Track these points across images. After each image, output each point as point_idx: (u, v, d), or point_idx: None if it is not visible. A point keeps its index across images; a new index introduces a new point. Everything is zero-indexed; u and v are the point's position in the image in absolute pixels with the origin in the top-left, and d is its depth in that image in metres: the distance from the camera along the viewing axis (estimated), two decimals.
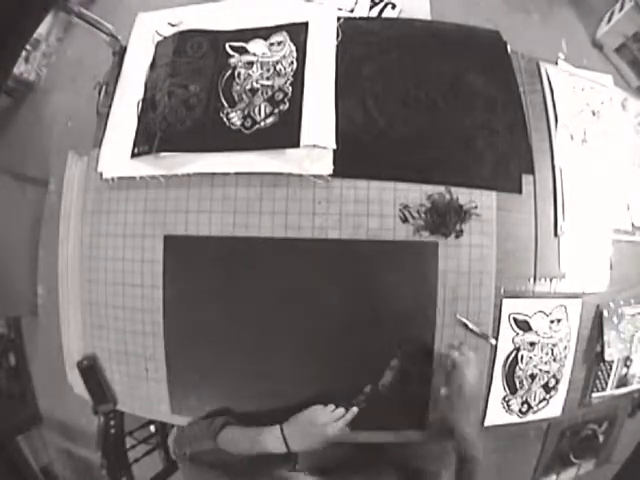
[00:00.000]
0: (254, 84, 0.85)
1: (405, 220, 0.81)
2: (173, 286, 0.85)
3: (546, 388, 0.89)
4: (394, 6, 0.95)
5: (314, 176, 0.81)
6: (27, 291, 1.15)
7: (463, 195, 0.82)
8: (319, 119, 0.82)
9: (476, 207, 0.82)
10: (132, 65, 0.96)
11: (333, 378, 0.82)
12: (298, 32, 0.89)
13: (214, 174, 0.84)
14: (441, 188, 0.82)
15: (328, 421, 0.72)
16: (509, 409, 0.87)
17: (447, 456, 1.01)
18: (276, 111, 0.83)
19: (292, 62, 0.86)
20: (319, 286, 0.81)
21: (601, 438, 1.05)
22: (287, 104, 0.83)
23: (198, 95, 0.86)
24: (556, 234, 0.86)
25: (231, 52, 0.89)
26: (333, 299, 0.81)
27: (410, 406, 0.84)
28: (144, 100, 0.90)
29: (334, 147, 0.81)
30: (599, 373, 0.93)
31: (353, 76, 0.86)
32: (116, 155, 0.89)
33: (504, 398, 0.87)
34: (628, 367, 0.96)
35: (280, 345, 0.83)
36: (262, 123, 0.82)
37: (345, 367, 0.82)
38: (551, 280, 0.86)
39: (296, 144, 0.80)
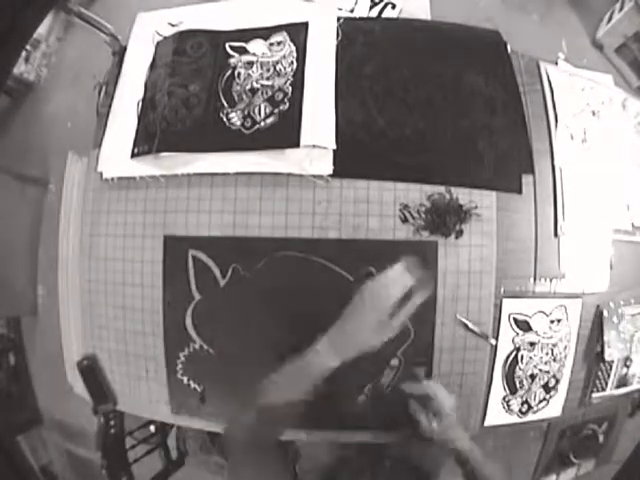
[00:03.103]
0: (254, 84, 0.85)
1: (405, 220, 0.81)
2: (172, 286, 0.84)
3: (546, 388, 0.89)
4: (394, 6, 0.95)
5: (314, 176, 0.81)
6: (27, 291, 1.15)
7: (463, 195, 0.82)
8: (319, 119, 0.82)
9: (476, 207, 0.82)
10: (132, 65, 0.96)
11: (333, 379, 0.82)
12: (298, 32, 0.89)
13: (214, 174, 0.84)
14: (441, 188, 0.82)
15: None
16: (509, 409, 0.87)
17: (443, 454, 1.01)
18: (276, 111, 0.82)
19: (292, 62, 0.86)
20: (319, 285, 0.81)
21: (601, 438, 1.05)
22: (287, 104, 0.83)
23: (198, 95, 0.86)
24: (556, 234, 0.86)
25: (231, 52, 0.89)
26: (333, 298, 0.81)
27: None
28: (144, 100, 0.90)
29: (334, 147, 0.81)
30: (599, 373, 0.93)
31: (353, 76, 0.86)
32: (116, 155, 0.89)
33: (504, 398, 0.87)
34: (628, 367, 0.96)
35: (280, 344, 0.83)
36: (262, 123, 0.82)
37: (345, 367, 0.82)
38: (551, 280, 0.86)
39: (296, 144, 0.80)
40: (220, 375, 0.85)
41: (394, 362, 0.81)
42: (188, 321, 0.84)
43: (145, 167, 0.86)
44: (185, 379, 0.85)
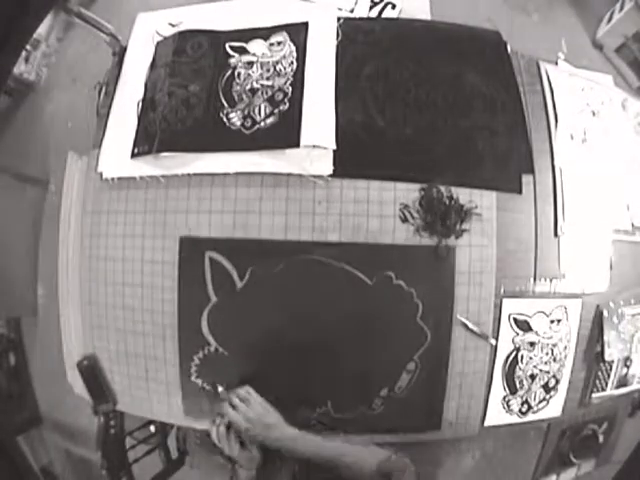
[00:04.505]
0: (254, 84, 0.85)
1: (405, 220, 0.81)
2: (187, 287, 0.84)
3: (546, 388, 0.89)
4: (394, 6, 0.95)
5: (314, 176, 0.81)
6: (27, 291, 1.15)
7: (463, 195, 0.82)
8: (319, 119, 0.82)
9: (476, 207, 0.82)
10: (132, 65, 0.96)
11: (350, 383, 0.82)
12: (298, 32, 0.89)
13: (214, 174, 0.83)
14: (441, 188, 0.82)
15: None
16: (509, 409, 0.87)
17: (443, 456, 1.01)
18: (276, 111, 0.82)
19: (292, 62, 0.86)
20: (337, 289, 0.81)
21: (601, 438, 1.05)
22: (287, 104, 0.83)
23: (198, 95, 0.86)
24: (556, 234, 0.86)
25: (231, 52, 0.89)
26: (350, 302, 0.81)
27: (426, 407, 0.84)
28: (144, 100, 0.90)
29: (334, 147, 0.80)
30: (599, 373, 0.93)
31: (353, 76, 0.86)
32: (116, 155, 0.89)
33: (504, 398, 0.87)
34: (628, 367, 0.96)
35: (296, 350, 0.83)
36: (262, 123, 0.82)
37: (362, 371, 0.82)
38: (551, 280, 0.86)
39: (296, 144, 0.80)
40: (236, 378, 0.83)
41: (410, 366, 0.82)
42: (204, 324, 0.83)
43: (145, 167, 0.86)
44: (199, 382, 0.85)
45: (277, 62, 0.86)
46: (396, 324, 0.82)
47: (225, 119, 0.83)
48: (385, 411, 0.82)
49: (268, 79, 0.85)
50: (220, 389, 0.77)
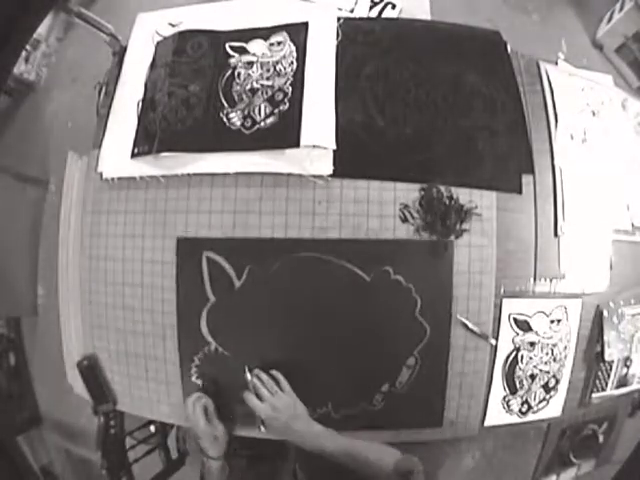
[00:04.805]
0: (254, 84, 0.85)
1: (405, 220, 0.81)
2: (186, 288, 0.84)
3: (546, 388, 0.89)
4: (394, 6, 0.95)
5: (314, 176, 0.81)
6: (27, 291, 1.15)
7: (463, 195, 0.82)
8: (319, 119, 0.82)
9: (476, 207, 0.82)
10: (132, 65, 0.96)
11: (350, 378, 0.83)
12: (298, 32, 0.89)
13: (214, 174, 0.83)
14: (441, 188, 0.82)
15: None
16: (509, 409, 0.87)
17: (442, 455, 1.01)
18: (276, 111, 0.82)
19: (292, 62, 0.86)
20: (335, 286, 0.81)
21: (601, 438, 1.05)
22: (287, 104, 0.83)
23: (198, 95, 0.86)
24: (556, 234, 0.86)
25: (231, 52, 0.89)
26: (348, 298, 0.81)
27: (427, 403, 0.84)
28: (144, 100, 0.90)
29: (334, 147, 0.80)
30: (599, 373, 0.93)
31: (353, 76, 0.86)
32: (116, 155, 0.89)
33: (504, 398, 0.87)
34: (628, 367, 0.97)
35: (296, 347, 0.83)
36: (262, 123, 0.82)
37: (362, 367, 0.82)
38: (551, 280, 0.86)
39: (296, 144, 0.80)
40: (236, 378, 0.83)
41: (410, 361, 0.82)
42: (203, 324, 0.83)
43: (145, 167, 0.86)
44: (200, 382, 0.85)
45: (277, 62, 0.86)
46: (395, 319, 0.82)
47: (225, 119, 0.83)
48: (386, 407, 0.82)
49: (268, 79, 0.85)
50: (249, 377, 0.76)
